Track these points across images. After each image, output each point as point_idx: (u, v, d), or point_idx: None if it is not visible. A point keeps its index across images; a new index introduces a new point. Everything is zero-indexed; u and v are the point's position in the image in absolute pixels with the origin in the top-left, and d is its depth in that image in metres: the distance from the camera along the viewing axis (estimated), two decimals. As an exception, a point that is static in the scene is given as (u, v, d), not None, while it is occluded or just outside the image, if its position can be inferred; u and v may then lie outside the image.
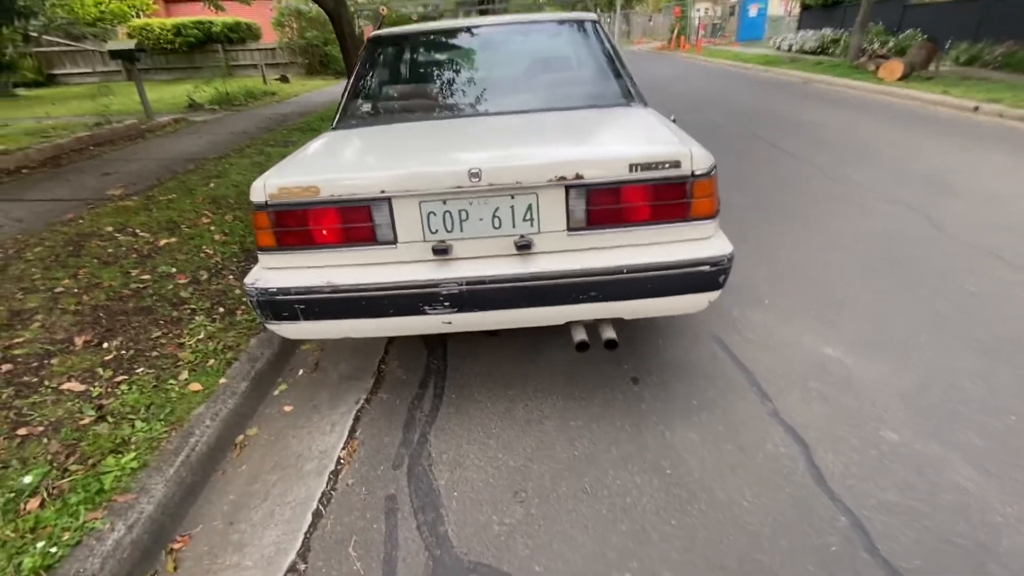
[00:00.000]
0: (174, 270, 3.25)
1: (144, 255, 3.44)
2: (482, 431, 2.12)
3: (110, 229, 3.82)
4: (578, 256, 1.83)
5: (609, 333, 1.95)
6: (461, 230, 1.82)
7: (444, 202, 1.79)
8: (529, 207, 1.79)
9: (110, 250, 3.49)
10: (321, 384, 2.50)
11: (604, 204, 1.80)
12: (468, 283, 1.79)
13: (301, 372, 2.60)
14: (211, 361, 2.45)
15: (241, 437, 2.21)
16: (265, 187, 1.81)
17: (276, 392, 2.48)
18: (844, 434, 1.99)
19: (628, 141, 2.06)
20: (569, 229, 1.82)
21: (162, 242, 3.62)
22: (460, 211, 1.80)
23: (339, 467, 2.01)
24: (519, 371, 2.46)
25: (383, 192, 1.76)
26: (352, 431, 2.19)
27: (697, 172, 1.77)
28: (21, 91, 14.73)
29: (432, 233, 1.82)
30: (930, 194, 4.35)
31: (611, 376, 2.38)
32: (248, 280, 1.89)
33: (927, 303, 2.82)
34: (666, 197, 1.80)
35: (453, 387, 2.39)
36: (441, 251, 1.80)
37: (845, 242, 3.56)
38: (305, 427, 2.23)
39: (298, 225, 1.85)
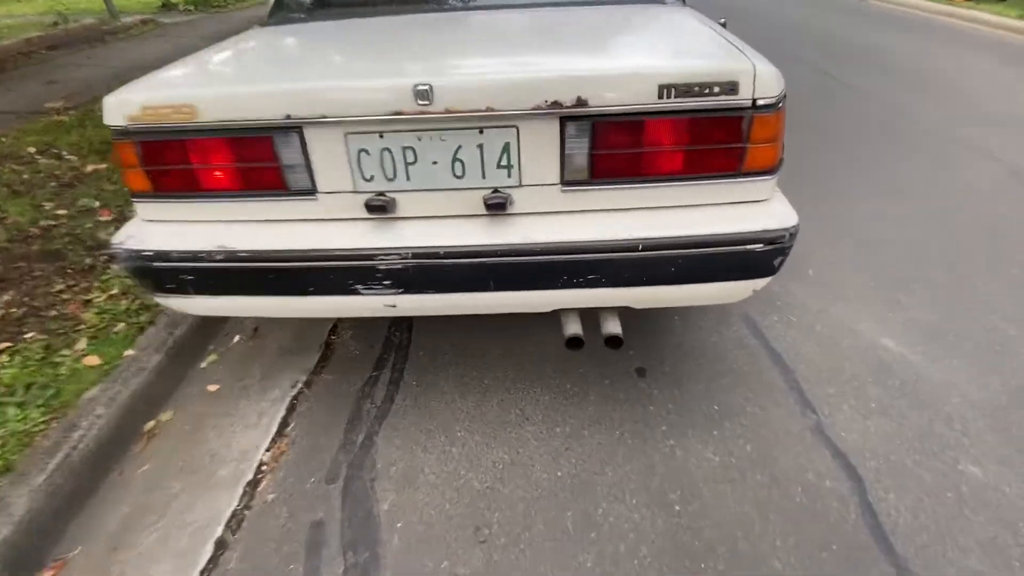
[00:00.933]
0: (97, 204, 2.72)
1: (65, 183, 2.90)
2: (444, 435, 1.68)
3: (32, 150, 3.24)
4: (576, 222, 1.28)
5: (613, 327, 1.43)
6: (407, 178, 1.26)
7: (380, 135, 1.21)
8: (506, 147, 1.21)
9: (25, 176, 2.94)
10: (256, 356, 2.04)
11: (618, 147, 1.22)
12: (416, 255, 1.26)
13: (237, 339, 2.14)
14: (120, 325, 1.99)
15: (152, 424, 1.79)
16: (122, 105, 1.24)
17: (204, 364, 2.03)
18: (911, 465, 1.52)
19: (659, 51, 1.43)
20: (564, 183, 1.25)
21: (90, 168, 3.05)
22: (405, 150, 1.23)
23: (259, 476, 1.59)
24: (499, 352, 1.98)
25: (289, 117, 1.19)
26: (283, 425, 1.75)
27: (761, 101, 1.17)
28: (-13, -15, 13.38)
29: (365, 181, 1.27)
30: (1014, 140, 3.61)
31: (611, 364, 1.90)
32: (116, 239, 1.37)
33: (1018, 282, 2.25)
34: (712, 138, 1.21)
35: (415, 370, 1.93)
36: (378, 207, 1.25)
37: (914, 198, 2.92)
38: (229, 415, 1.80)
39: (178, 162, 1.29)
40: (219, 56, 1.50)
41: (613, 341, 1.43)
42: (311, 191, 1.29)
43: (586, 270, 1.27)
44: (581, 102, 1.15)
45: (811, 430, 1.64)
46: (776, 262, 1.29)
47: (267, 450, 1.66)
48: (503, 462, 1.58)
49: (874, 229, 2.63)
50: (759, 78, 1.15)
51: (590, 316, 1.50)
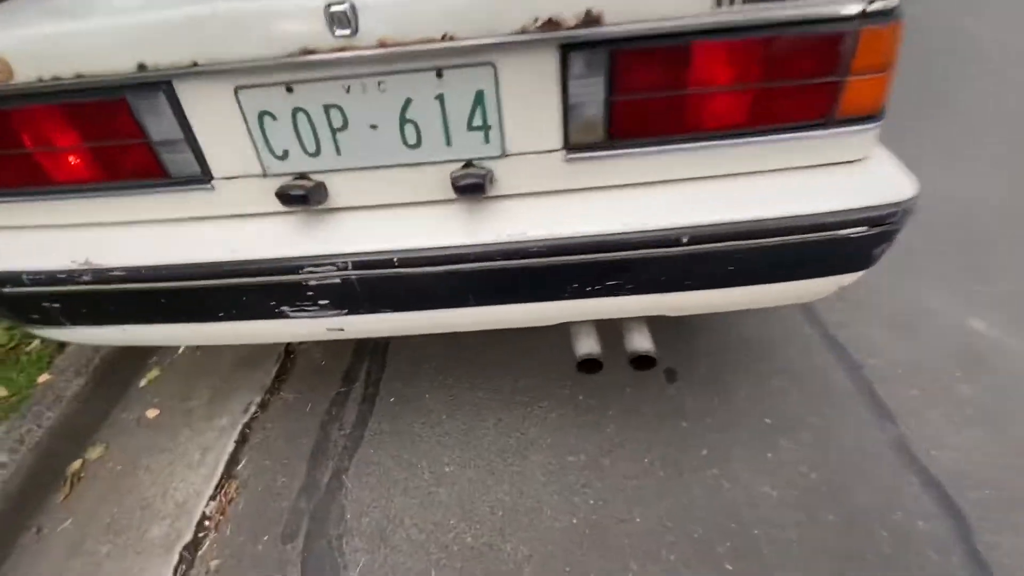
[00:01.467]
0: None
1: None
2: (428, 470, 1.35)
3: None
4: (588, 206, 0.88)
5: (641, 343, 1.06)
6: (337, 151, 0.85)
7: (288, 89, 0.80)
8: (479, 98, 0.80)
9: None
10: (206, 370, 1.70)
11: (650, 88, 0.80)
12: (359, 264, 0.88)
13: (183, 348, 1.79)
14: (33, 344, 1.65)
15: (77, 464, 1.47)
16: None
17: (144, 382, 1.70)
18: (1027, 495, 1.18)
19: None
20: (569, 147, 0.85)
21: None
22: (328, 109, 0.81)
23: (201, 534, 1.28)
24: (494, 355, 1.62)
25: (144, 67, 0.77)
26: (232, 462, 1.43)
27: (875, 5, 0.74)
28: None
29: (277, 158, 0.86)
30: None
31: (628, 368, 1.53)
32: (-52, 255, 0.98)
33: None
34: (794, 68, 0.79)
35: (393, 382, 1.58)
36: (298, 197, 0.85)
37: (998, 140, 2.37)
38: (168, 450, 1.48)
39: (8, 145, 0.89)
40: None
41: (642, 362, 1.06)
42: (203, 178, 0.89)
43: (605, 274, 0.88)
44: (591, 19, 0.73)
45: (892, 447, 1.29)
46: (878, 251, 0.90)
47: (211, 498, 1.34)
48: (503, 506, 1.26)
49: (947, 177, 2.17)
50: (875, -34, 0.72)
51: (609, 331, 1.13)
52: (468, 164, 0.85)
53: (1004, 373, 1.43)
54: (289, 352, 1.71)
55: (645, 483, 1.27)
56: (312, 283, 0.90)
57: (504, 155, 0.85)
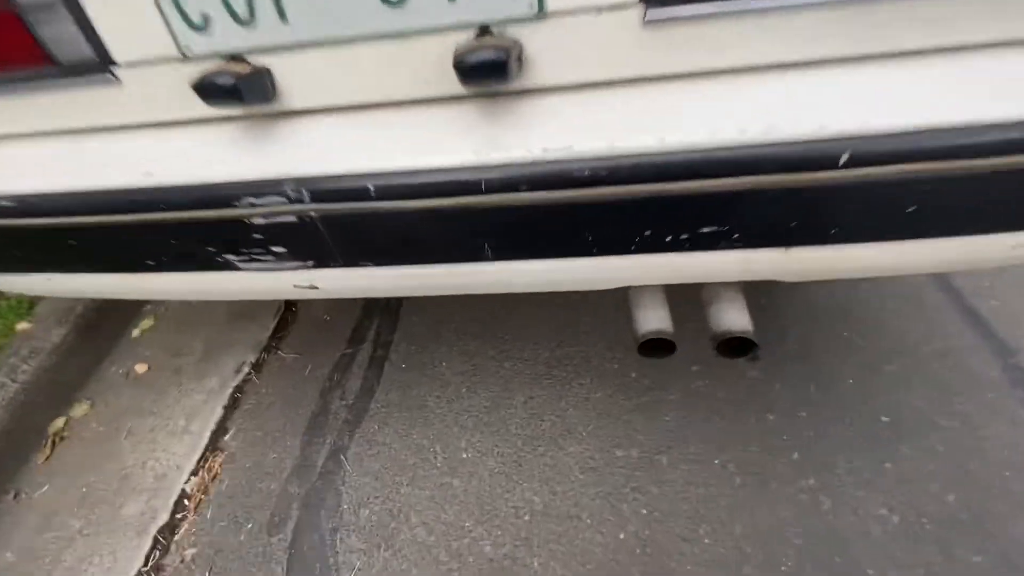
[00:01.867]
0: None
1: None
2: (442, 455, 1.11)
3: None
4: (677, 101, 0.54)
5: (736, 319, 0.74)
6: (280, 13, 0.54)
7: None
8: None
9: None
10: (202, 321, 1.50)
11: None
12: (318, 195, 0.59)
13: (179, 295, 1.59)
14: (14, 286, 1.48)
15: (61, 422, 1.32)
16: None
17: (136, 331, 1.52)
18: None
19: None
20: (650, 0, 0.50)
21: None
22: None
23: (179, 516, 1.10)
24: (527, 319, 1.34)
25: None
26: (219, 431, 1.24)
27: None
28: None
29: (195, 28, 0.56)
30: None
31: (701, 340, 1.22)
32: None
33: None
34: None
35: (404, 346, 1.33)
36: (225, 90, 0.56)
37: None
38: (153, 413, 1.30)
39: None
40: None
41: (734, 345, 0.74)
42: (100, 64, 0.60)
43: (700, 215, 0.56)
44: None
45: (1062, 465, 0.95)
46: None
47: (193, 473, 1.16)
48: (531, 508, 1.01)
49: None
50: None
51: (683, 290, 0.81)
52: (483, 31, 0.53)
53: None
54: (290, 305, 1.49)
55: (716, 492, 0.99)
56: (258, 221, 0.62)
57: (541, 14, 0.51)
